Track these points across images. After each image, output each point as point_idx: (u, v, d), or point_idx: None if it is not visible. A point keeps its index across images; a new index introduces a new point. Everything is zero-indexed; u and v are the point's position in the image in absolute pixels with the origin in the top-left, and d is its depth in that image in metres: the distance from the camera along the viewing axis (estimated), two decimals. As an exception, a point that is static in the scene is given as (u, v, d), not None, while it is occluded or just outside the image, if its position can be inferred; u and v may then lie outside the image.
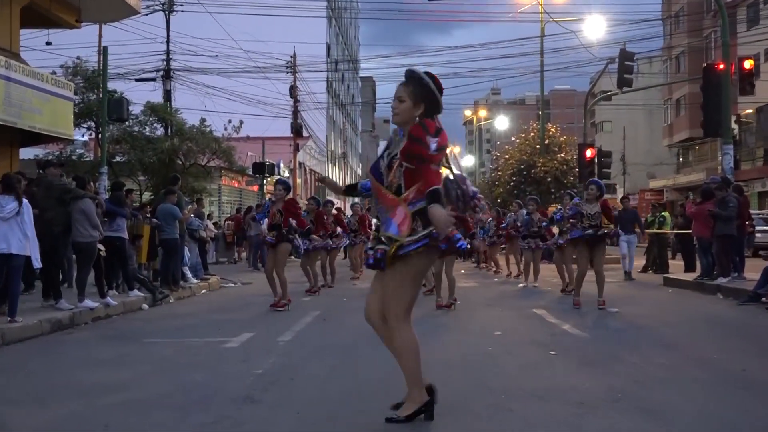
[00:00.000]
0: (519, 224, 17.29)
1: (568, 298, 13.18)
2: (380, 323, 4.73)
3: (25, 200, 9.67)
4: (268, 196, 12.42)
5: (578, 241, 11.38)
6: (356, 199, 39.75)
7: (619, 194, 60.96)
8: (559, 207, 14.68)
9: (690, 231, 17.18)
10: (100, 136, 21.92)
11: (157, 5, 30.16)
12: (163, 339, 9.01)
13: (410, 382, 4.66)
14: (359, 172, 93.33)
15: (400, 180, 4.54)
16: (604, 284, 11.45)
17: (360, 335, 8.80)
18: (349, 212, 17.45)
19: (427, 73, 4.60)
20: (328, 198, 18.10)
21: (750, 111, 41.28)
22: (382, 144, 4.67)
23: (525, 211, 16.34)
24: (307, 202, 16.26)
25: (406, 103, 4.55)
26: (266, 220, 11.97)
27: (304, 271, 14.97)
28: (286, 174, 43.68)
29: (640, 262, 21.15)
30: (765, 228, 27.70)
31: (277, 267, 11.82)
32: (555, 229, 15.17)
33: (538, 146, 37.51)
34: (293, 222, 11.85)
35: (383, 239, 4.56)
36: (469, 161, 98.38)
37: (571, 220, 11.73)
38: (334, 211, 16.67)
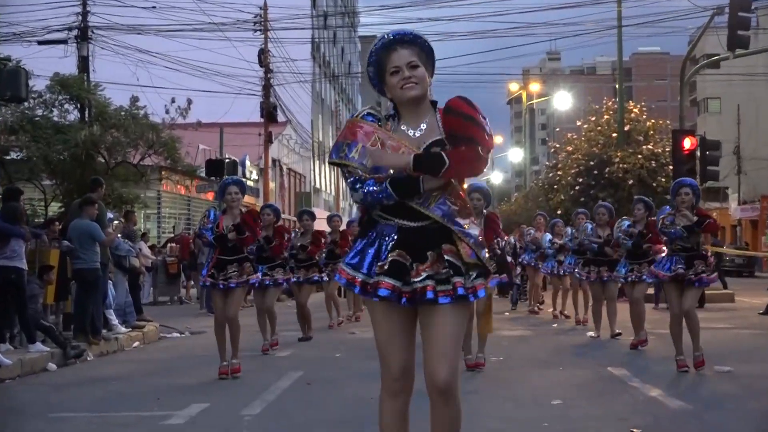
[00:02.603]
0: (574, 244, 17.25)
1: (660, 355, 13.15)
2: (410, 387, 4.79)
3: None
4: (224, 204, 11.79)
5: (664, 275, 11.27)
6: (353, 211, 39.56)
7: (732, 202, 60.96)
8: (623, 220, 14.29)
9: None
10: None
11: (68, -64, 30.30)
12: (79, 413, 8.99)
13: None
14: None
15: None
16: (699, 332, 11.30)
17: (360, 405, 8.79)
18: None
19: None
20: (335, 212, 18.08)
21: None
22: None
23: (589, 226, 16.12)
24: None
25: (422, 69, 4.73)
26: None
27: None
28: (254, 175, 43.73)
29: (760, 299, 21.10)
30: None
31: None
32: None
33: (614, 134, 37.51)
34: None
35: (453, 260, 4.63)
36: (515, 156, 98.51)
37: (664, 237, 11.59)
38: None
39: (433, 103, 4.81)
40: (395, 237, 4.66)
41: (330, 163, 4.84)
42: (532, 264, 21.02)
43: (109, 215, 16.78)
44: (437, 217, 4.61)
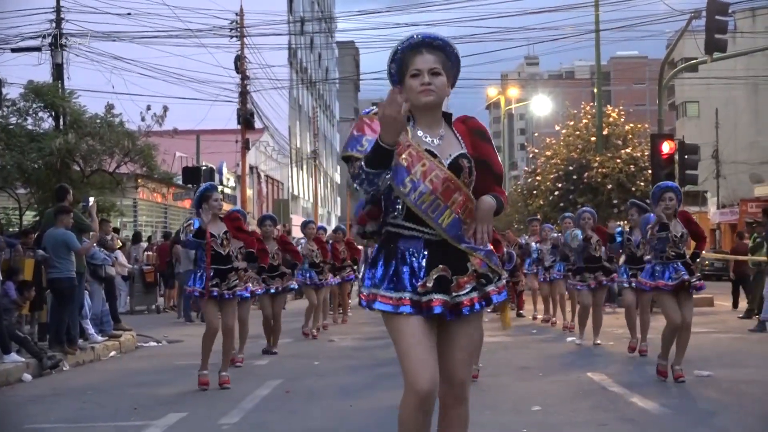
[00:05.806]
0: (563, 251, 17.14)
1: (641, 361, 13.22)
2: (434, 401, 4.80)
3: None
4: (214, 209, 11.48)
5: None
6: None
7: (711, 206, 61.20)
8: (619, 224, 14.40)
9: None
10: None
11: (42, -58, 30.18)
12: (55, 424, 8.96)
13: None
14: (337, 178, 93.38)
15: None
16: (687, 345, 11.23)
17: (340, 414, 8.78)
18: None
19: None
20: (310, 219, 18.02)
21: None
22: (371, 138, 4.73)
23: (579, 233, 16.06)
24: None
25: (443, 78, 4.77)
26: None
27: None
28: (231, 183, 43.70)
29: (740, 303, 21.19)
30: None
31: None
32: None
33: (593, 138, 37.64)
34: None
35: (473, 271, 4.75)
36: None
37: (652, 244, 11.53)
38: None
39: (446, 115, 4.87)
40: (426, 253, 4.70)
41: (343, 158, 4.86)
42: (533, 272, 20.87)
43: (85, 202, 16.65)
44: (449, 238, 4.69)
